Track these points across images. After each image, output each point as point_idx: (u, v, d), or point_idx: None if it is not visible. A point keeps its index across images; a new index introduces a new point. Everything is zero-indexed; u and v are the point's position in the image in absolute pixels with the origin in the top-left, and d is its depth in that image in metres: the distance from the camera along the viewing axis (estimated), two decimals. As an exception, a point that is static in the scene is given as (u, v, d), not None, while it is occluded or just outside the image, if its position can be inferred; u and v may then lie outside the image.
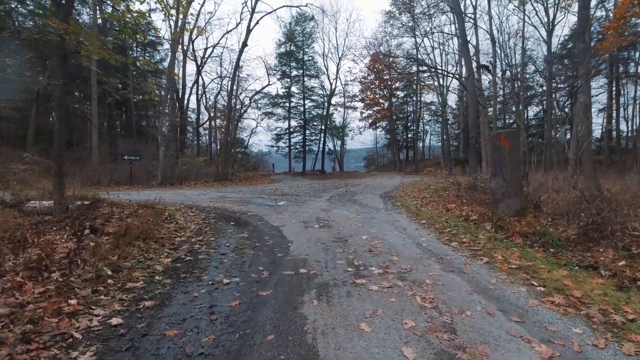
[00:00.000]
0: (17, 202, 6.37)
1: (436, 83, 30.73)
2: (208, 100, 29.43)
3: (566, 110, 26.12)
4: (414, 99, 34.39)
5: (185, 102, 27.13)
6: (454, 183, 11.11)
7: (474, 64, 18.25)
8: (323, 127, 32.23)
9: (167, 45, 26.52)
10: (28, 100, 20.01)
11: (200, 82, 27.05)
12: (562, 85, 28.53)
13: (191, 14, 17.39)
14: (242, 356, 2.22)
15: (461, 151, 24.59)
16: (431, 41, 29.80)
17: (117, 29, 6.91)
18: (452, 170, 23.08)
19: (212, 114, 28.84)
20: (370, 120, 35.52)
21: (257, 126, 32.01)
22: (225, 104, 24.95)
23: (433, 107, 37.43)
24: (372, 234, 5.70)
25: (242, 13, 35.51)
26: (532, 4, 21.76)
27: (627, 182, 10.69)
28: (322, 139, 32.62)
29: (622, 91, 26.40)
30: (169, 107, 20.60)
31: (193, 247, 4.96)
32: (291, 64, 30.99)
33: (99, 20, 21.10)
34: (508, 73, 26.76)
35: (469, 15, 21.03)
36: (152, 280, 3.54)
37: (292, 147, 32.05)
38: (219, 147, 26.74)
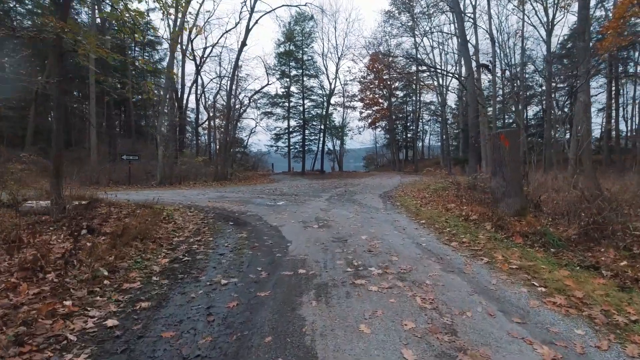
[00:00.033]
0: (14, 202, 6.33)
1: (435, 83, 30.73)
2: (207, 100, 29.41)
3: (565, 110, 26.13)
4: (414, 98, 34.37)
5: (185, 101, 27.07)
6: (454, 183, 11.07)
7: (474, 64, 18.23)
8: (322, 127, 32.21)
9: (165, 45, 26.49)
10: (27, 100, 19.96)
11: (200, 81, 27.00)
12: (561, 85, 28.55)
13: (190, 13, 17.36)
14: (240, 358, 2.18)
15: (460, 151, 24.63)
16: (430, 41, 29.85)
17: (115, 28, 6.84)
18: (452, 170, 23.04)
19: (211, 114, 28.80)
20: (369, 120, 35.49)
21: (256, 126, 32.10)
22: (225, 103, 24.89)
23: (432, 107, 37.47)
24: (372, 233, 5.66)
25: (241, 12, 35.61)
26: (531, 4, 21.75)
27: (626, 181, 10.68)
28: (322, 138, 32.61)
29: (621, 91, 26.43)
30: (167, 107, 20.54)
31: (191, 247, 4.92)
32: (290, 63, 30.95)
33: (98, 20, 21.05)
34: (507, 73, 26.77)
35: (469, 14, 21.02)
36: (149, 281, 3.50)
37: (291, 147, 32.00)
38: (218, 146, 26.69)
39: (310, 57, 31.49)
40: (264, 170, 31.17)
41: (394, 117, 35.68)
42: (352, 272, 3.77)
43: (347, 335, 2.42)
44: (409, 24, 29.05)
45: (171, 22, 17.21)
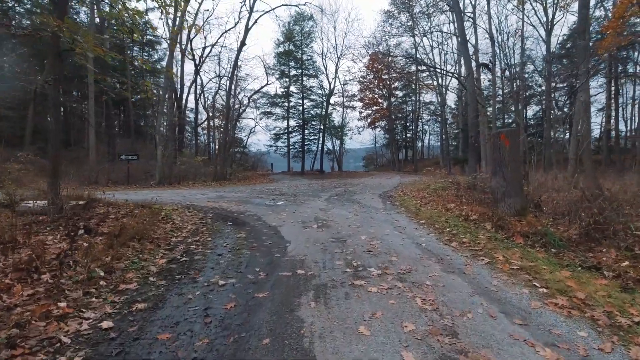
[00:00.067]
0: (11, 201, 6.28)
1: (435, 83, 30.72)
2: (206, 99, 29.38)
3: (565, 109, 26.10)
4: (413, 98, 34.33)
5: (184, 101, 27.04)
6: (454, 182, 11.04)
7: (473, 63, 18.20)
8: (322, 127, 32.17)
9: (165, 45, 26.43)
10: (25, 100, 19.91)
11: (199, 81, 26.98)
12: (561, 85, 28.53)
13: (189, 12, 17.31)
14: (237, 361, 2.14)
15: (460, 151, 24.61)
16: (430, 40, 29.83)
17: (115, 28, 6.80)
18: (451, 169, 23.03)
19: (210, 114, 28.78)
20: (369, 120, 35.46)
21: (255, 126, 31.96)
22: (224, 103, 24.85)
23: (432, 107, 37.45)
24: (371, 234, 5.62)
25: (240, 12, 35.53)
26: (531, 4, 21.74)
27: (626, 181, 10.66)
28: (321, 138, 32.57)
29: (620, 91, 26.40)
30: (167, 107, 20.47)
31: (189, 247, 4.87)
32: (290, 63, 30.92)
33: (97, 20, 20.98)
34: (507, 72, 26.75)
35: (468, 14, 20.99)
36: (146, 282, 3.46)
37: (290, 147, 31.95)
38: (217, 146, 26.63)
39: (309, 57, 31.49)
40: (264, 170, 31.14)
41: (393, 117, 35.66)
42: (352, 272, 3.73)
43: (346, 337, 2.38)
44: (409, 23, 29.04)
45: (170, 22, 17.18)
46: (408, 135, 39.31)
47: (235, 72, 22.70)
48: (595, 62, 19.92)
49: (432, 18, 27.21)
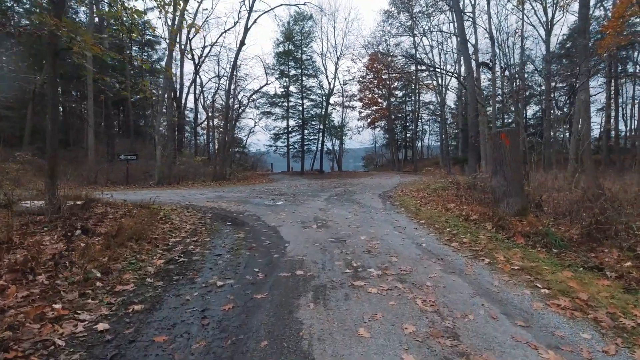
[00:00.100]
0: (9, 202, 6.23)
1: (435, 82, 30.68)
2: (206, 99, 29.34)
3: (564, 109, 26.08)
4: (413, 98, 34.28)
5: (183, 101, 27.01)
6: (453, 182, 11.00)
7: (473, 63, 18.17)
8: (321, 127, 32.13)
9: (164, 45, 26.39)
10: (24, 100, 19.86)
11: (198, 81, 26.95)
12: (560, 85, 28.52)
13: (188, 12, 17.27)
14: (234, 364, 2.10)
15: (460, 150, 24.59)
16: (430, 40, 29.80)
17: (115, 27, 6.74)
18: (451, 169, 23.01)
19: (209, 114, 28.73)
20: (368, 120, 35.42)
21: (255, 126, 31.82)
22: (223, 103, 24.80)
23: (432, 107, 37.41)
24: (371, 234, 5.58)
25: (239, 12, 35.46)
26: (530, 3, 21.74)
27: (626, 181, 10.62)
28: (321, 138, 32.52)
29: (620, 91, 26.38)
30: (166, 107, 20.43)
31: (187, 247, 4.83)
32: (289, 63, 30.86)
33: (96, 20, 20.93)
34: (507, 72, 26.72)
35: (468, 13, 20.96)
36: (143, 283, 3.42)
37: (290, 147, 31.90)
38: (216, 146, 26.58)
39: (309, 57, 31.44)
40: (263, 170, 31.10)
41: (393, 116, 35.61)
42: (351, 273, 3.69)
43: (345, 339, 2.34)
44: (408, 23, 29.00)
45: (169, 21, 17.14)
46: (408, 135, 39.27)
47: (235, 71, 22.65)
48: (594, 62, 19.91)
49: (431, 18, 27.20)
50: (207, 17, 37.19)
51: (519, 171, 6.37)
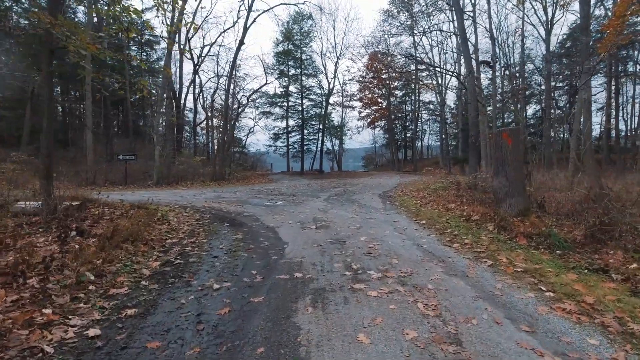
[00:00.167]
0: (5, 202, 6.15)
1: (435, 82, 30.59)
2: (205, 99, 29.23)
3: (565, 109, 26.00)
4: (413, 98, 34.17)
5: (182, 101, 26.93)
6: (454, 182, 10.93)
7: (474, 62, 18.08)
8: (321, 127, 32.04)
9: (163, 45, 26.28)
10: (23, 100, 19.77)
11: (197, 81, 26.86)
12: (560, 84, 28.44)
13: (187, 11, 17.17)
14: (229, 372, 2.02)
15: (460, 150, 24.49)
16: (429, 40, 29.68)
17: (114, 27, 6.65)
18: (451, 169, 22.93)
19: (209, 114, 28.61)
20: (368, 120, 35.30)
21: (254, 125, 31.67)
22: (223, 103, 24.71)
23: (431, 107, 37.28)
24: (371, 235, 5.51)
25: (239, 11, 35.32)
26: (530, 3, 21.67)
27: (627, 181, 10.56)
28: (321, 138, 32.43)
29: (620, 90, 26.29)
30: (165, 106, 20.34)
31: (184, 249, 4.75)
32: (289, 62, 30.78)
33: (95, 20, 20.84)
34: (507, 72, 26.65)
35: (468, 12, 20.87)
36: (138, 286, 3.34)
37: (290, 147, 31.81)
38: (216, 146, 26.49)
39: (309, 57, 31.35)
40: (263, 170, 31.03)
41: (393, 116, 35.51)
42: (351, 275, 3.61)
43: (344, 346, 2.26)
44: (408, 22, 28.92)
45: (168, 20, 17.03)
46: (407, 135, 39.18)
47: (234, 71, 22.58)
48: (595, 62, 19.81)
49: (431, 17, 27.11)
50: (206, 17, 37.08)
51: (521, 171, 6.29)
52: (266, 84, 30.14)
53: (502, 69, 25.94)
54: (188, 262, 4.15)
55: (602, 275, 3.50)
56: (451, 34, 25.08)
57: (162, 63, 26.84)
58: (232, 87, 23.77)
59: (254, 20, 21.72)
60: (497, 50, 23.42)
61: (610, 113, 25.85)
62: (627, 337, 2.37)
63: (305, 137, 32.42)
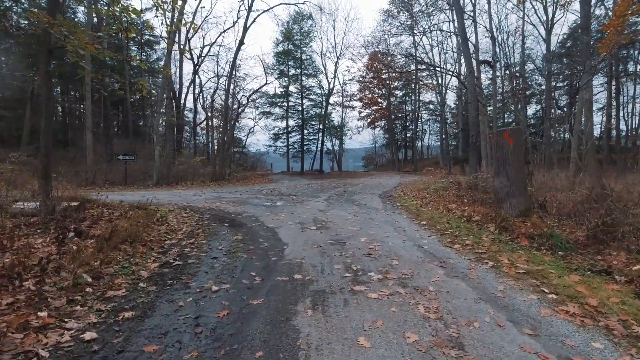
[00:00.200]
0: (3, 203, 6.12)
1: (435, 82, 30.55)
2: (205, 99, 29.20)
3: (565, 109, 25.95)
4: (413, 98, 34.13)
5: (182, 101, 26.90)
6: (455, 182, 10.89)
7: (474, 62, 18.04)
8: (321, 127, 31.99)
9: (163, 45, 26.26)
10: (23, 100, 19.75)
11: (197, 81, 26.83)
12: (561, 84, 28.38)
13: (187, 11, 17.14)
14: (227, 377, 1.98)
15: (460, 150, 24.47)
16: (430, 39, 29.64)
17: (113, 27, 6.62)
18: (451, 169, 22.89)
19: (209, 114, 28.59)
20: (368, 120, 35.26)
21: (254, 126, 31.63)
22: (223, 103, 24.68)
23: (432, 107, 37.24)
24: (371, 235, 5.47)
25: (239, 11, 35.27)
26: (531, 2, 21.60)
27: (628, 181, 10.51)
28: (321, 138, 32.39)
29: (621, 90, 26.23)
30: (165, 107, 20.31)
31: (183, 250, 4.72)
32: (289, 63, 30.74)
33: (95, 20, 20.81)
34: (507, 72, 26.60)
35: (468, 12, 20.83)
36: (136, 288, 3.30)
37: (290, 147, 31.77)
38: (216, 146, 26.46)
39: (309, 57, 31.31)
40: (263, 170, 30.99)
41: (393, 116, 35.46)
42: (351, 277, 3.57)
43: (344, 349, 2.22)
44: (408, 22, 28.87)
45: (167, 20, 17.00)
46: (408, 135, 39.13)
47: (234, 71, 22.54)
48: (596, 60, 19.76)
49: (431, 17, 27.07)
50: (206, 17, 37.11)
51: (522, 171, 6.25)
52: (266, 84, 30.15)
53: (503, 68, 25.91)
54: (187, 264, 4.11)
55: (605, 276, 3.46)
56: (451, 33, 25.06)
57: (162, 63, 26.82)
58: (232, 87, 23.76)
59: (253, 20, 21.71)
60: (498, 50, 23.39)
61: (610, 113, 25.80)
62: (632, 340, 2.33)
63: (305, 137, 32.39)
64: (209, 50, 24.92)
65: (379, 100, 34.21)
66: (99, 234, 4.73)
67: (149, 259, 4.23)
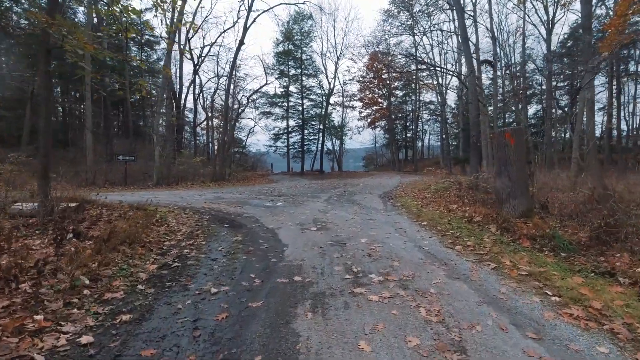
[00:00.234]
0: (2, 204, 6.08)
1: (435, 82, 30.50)
2: (205, 99, 29.18)
3: (566, 109, 25.88)
4: (413, 98, 34.09)
5: (182, 101, 26.87)
6: (455, 183, 10.85)
7: (475, 61, 17.99)
8: (321, 127, 31.96)
9: (163, 45, 26.23)
10: (23, 100, 19.74)
11: (197, 81, 26.80)
12: (562, 84, 28.31)
13: (187, 12, 17.12)
14: (225, 382, 1.94)
15: (461, 150, 24.42)
16: (430, 39, 29.61)
17: (113, 27, 6.60)
18: (452, 169, 22.84)
19: (209, 114, 28.57)
20: (369, 120, 35.22)
21: (255, 126, 31.61)
22: (223, 103, 24.65)
23: (432, 107, 37.19)
24: (372, 236, 5.43)
25: (239, 11, 35.24)
26: (531, 2, 21.56)
27: (630, 181, 10.46)
28: (321, 138, 32.36)
29: (622, 90, 26.16)
30: (165, 107, 20.28)
31: (182, 251, 4.68)
32: (289, 63, 30.70)
33: (95, 20, 20.79)
34: (508, 71, 26.54)
35: (469, 12, 20.78)
36: (134, 290, 3.26)
37: (290, 147, 31.73)
38: (216, 147, 26.44)
39: (309, 57, 31.28)
40: (263, 171, 30.97)
41: (393, 116, 35.41)
42: (351, 279, 3.53)
43: (345, 354, 2.18)
44: (408, 22, 28.82)
45: (167, 20, 16.99)
46: (408, 135, 39.07)
47: (234, 71, 22.52)
48: (597, 60, 19.71)
49: (432, 17, 27.01)
50: (206, 17, 37.12)
51: (524, 171, 6.21)
52: (266, 84, 30.15)
53: (503, 68, 25.86)
54: (186, 265, 4.08)
55: (609, 278, 3.42)
56: (452, 33, 25.02)
57: (162, 63, 26.79)
58: (232, 87, 23.74)
59: (254, 20, 21.67)
60: (498, 49, 23.35)
61: (611, 113, 25.75)
62: (637, 344, 2.29)
63: (305, 137, 32.35)
64: (209, 50, 24.92)
65: (379, 100, 34.16)
66: (98, 235, 4.70)
67: (147, 260, 4.20)
